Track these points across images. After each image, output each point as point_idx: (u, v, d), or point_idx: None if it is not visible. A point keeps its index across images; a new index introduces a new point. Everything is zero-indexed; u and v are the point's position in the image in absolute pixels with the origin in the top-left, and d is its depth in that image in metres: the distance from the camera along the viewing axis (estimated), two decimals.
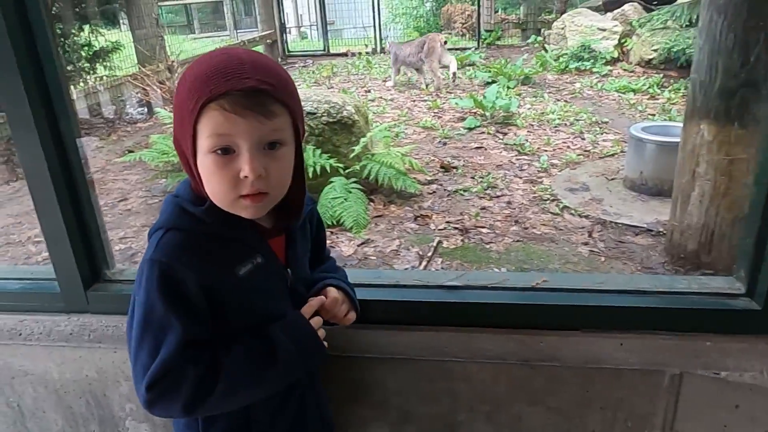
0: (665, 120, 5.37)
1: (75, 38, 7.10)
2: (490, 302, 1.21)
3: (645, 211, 3.61)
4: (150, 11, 7.51)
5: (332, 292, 1.02)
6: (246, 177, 0.79)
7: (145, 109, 7.29)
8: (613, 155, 4.71)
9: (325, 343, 0.96)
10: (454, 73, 7.61)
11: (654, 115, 5.82)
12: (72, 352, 1.34)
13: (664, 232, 3.21)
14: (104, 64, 7.55)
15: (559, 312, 1.18)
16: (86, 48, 7.29)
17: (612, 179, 4.18)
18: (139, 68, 7.22)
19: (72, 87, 6.67)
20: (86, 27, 7.27)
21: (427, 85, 7.67)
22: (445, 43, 7.78)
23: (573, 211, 3.68)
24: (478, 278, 1.27)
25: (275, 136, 0.81)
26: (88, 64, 7.33)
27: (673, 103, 6.11)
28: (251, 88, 0.76)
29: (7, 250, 3.77)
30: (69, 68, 6.77)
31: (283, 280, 0.96)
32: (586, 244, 3.25)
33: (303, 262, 1.02)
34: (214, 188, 0.82)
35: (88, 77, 7.26)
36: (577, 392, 1.20)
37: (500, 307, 1.20)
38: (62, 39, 6.70)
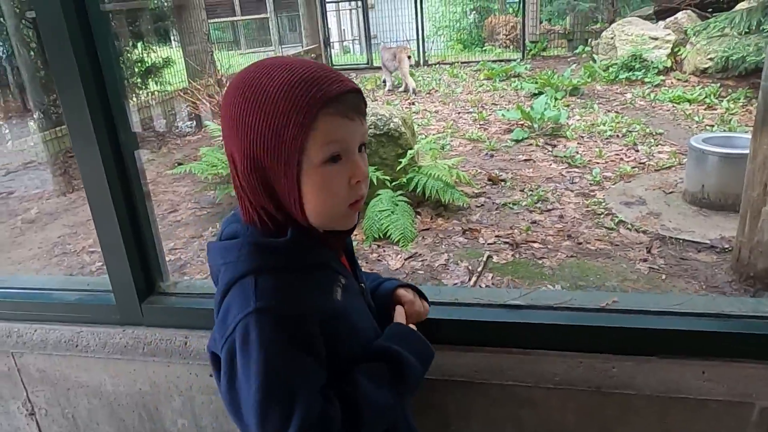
0: (725, 131, 5.14)
1: (128, 55, 7.38)
2: (556, 323, 1.13)
3: (707, 226, 3.43)
4: (200, 27, 7.73)
5: (403, 293, 1.01)
6: (358, 182, 0.78)
7: (194, 123, 7.48)
8: (670, 167, 4.52)
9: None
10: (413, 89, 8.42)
11: (713, 125, 5.58)
12: (126, 365, 1.34)
13: (730, 249, 3.03)
14: (155, 79, 7.81)
15: (633, 336, 1.10)
16: (138, 64, 7.56)
17: (670, 193, 4.00)
18: (190, 83, 7.42)
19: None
20: (139, 44, 7.55)
21: (396, 88, 8.60)
22: (410, 57, 8.66)
23: (629, 226, 3.53)
24: (542, 297, 1.20)
25: (366, 137, 0.81)
26: (140, 80, 7.59)
27: (732, 114, 5.85)
28: (353, 89, 0.76)
29: (62, 260, 3.89)
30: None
31: (362, 295, 0.93)
32: (644, 260, 3.11)
33: (362, 271, 0.99)
34: (330, 202, 0.77)
35: (140, 92, 7.52)
36: (653, 423, 1.11)
37: (567, 329, 1.13)
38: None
